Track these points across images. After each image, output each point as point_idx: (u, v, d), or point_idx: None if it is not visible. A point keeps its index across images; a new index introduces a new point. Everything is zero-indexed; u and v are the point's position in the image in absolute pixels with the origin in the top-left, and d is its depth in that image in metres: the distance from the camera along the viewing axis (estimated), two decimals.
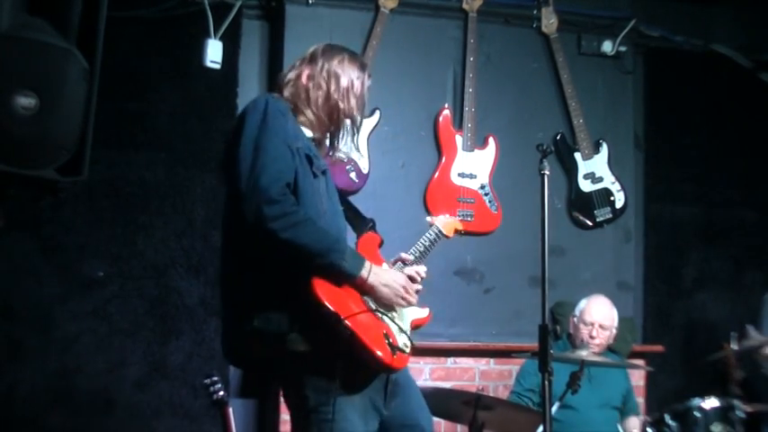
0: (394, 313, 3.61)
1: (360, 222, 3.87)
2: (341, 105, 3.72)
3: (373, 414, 3.57)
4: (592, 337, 5.61)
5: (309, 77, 3.73)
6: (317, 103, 3.70)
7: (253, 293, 3.46)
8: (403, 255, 3.88)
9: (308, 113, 3.70)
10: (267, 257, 3.42)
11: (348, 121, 3.77)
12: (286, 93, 3.71)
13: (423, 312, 3.84)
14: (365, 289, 3.53)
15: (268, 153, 3.41)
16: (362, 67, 3.82)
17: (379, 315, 3.53)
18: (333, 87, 3.72)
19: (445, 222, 4.20)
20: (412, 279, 3.75)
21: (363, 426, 3.51)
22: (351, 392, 3.46)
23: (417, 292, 3.74)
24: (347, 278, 3.46)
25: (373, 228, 3.87)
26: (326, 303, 3.36)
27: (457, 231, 4.32)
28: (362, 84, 3.79)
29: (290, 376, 3.53)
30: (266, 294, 3.43)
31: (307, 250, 3.38)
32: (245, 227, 3.37)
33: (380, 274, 3.56)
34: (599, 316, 5.68)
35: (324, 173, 3.64)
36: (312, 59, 3.78)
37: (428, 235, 4.05)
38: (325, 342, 3.38)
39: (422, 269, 3.83)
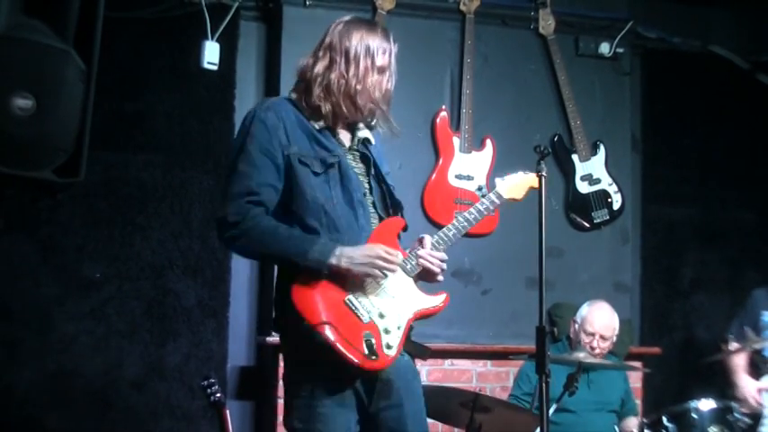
0: (382, 311, 3.58)
1: (387, 205, 3.80)
2: (359, 91, 3.68)
3: (353, 402, 3.58)
4: (592, 348, 5.63)
5: (327, 68, 3.69)
6: (339, 93, 3.66)
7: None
8: (425, 236, 3.77)
9: (334, 106, 3.67)
10: None
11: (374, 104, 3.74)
12: (315, 90, 3.68)
13: (434, 300, 3.72)
14: (342, 275, 3.55)
15: (236, 178, 3.59)
16: (384, 38, 3.75)
17: (362, 314, 3.54)
18: (351, 73, 3.68)
19: (513, 183, 4.00)
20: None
21: (343, 416, 3.55)
22: (331, 384, 3.53)
23: (431, 274, 3.72)
24: (317, 271, 3.51)
25: (397, 211, 3.80)
26: (300, 311, 3.49)
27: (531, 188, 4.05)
28: (385, 54, 3.74)
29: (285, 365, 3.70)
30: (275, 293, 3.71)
31: (270, 258, 3.70)
32: None
33: (352, 255, 3.53)
34: (600, 327, 5.68)
35: (331, 165, 3.65)
36: (330, 45, 3.73)
37: (477, 206, 3.91)
38: (305, 345, 3.50)
39: (440, 255, 3.73)
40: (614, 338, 5.77)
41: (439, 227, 6.27)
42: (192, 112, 6.24)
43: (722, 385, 6.10)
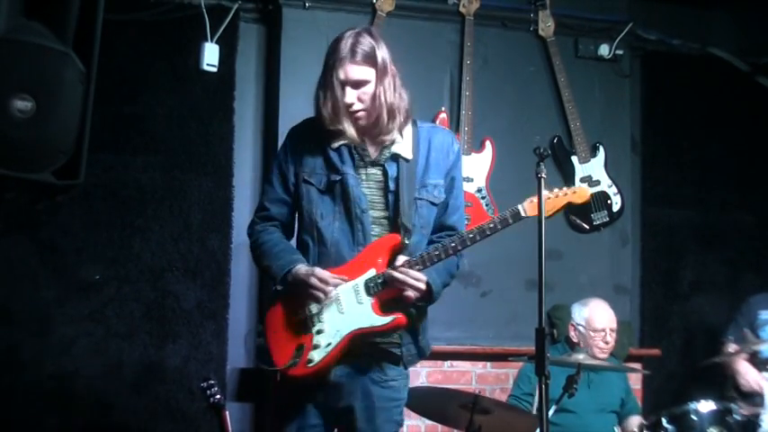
0: (324, 326, 3.82)
1: (389, 226, 3.88)
2: (327, 109, 3.82)
3: (311, 398, 3.88)
4: (606, 343, 5.67)
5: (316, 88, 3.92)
6: (321, 112, 3.86)
7: None
8: (400, 258, 3.82)
9: (327, 124, 3.85)
10: None
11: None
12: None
13: (379, 320, 3.82)
14: (294, 293, 3.86)
15: (262, 195, 4.11)
16: (343, 49, 3.81)
17: (302, 327, 3.85)
18: (328, 93, 3.82)
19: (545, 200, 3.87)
20: (398, 281, 3.77)
21: (296, 408, 3.90)
22: (289, 380, 3.88)
23: (393, 296, 3.81)
24: (280, 285, 3.89)
25: (394, 230, 3.85)
26: (263, 317, 3.99)
27: (573, 204, 4.01)
28: (337, 69, 3.79)
29: None
30: None
31: (262, 271, 4.20)
32: None
33: (297, 276, 3.81)
34: (607, 321, 5.74)
35: (335, 183, 3.86)
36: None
37: (486, 224, 3.87)
38: None
39: (413, 275, 3.79)
40: None
41: None
42: (191, 113, 6.24)
43: (722, 387, 6.10)
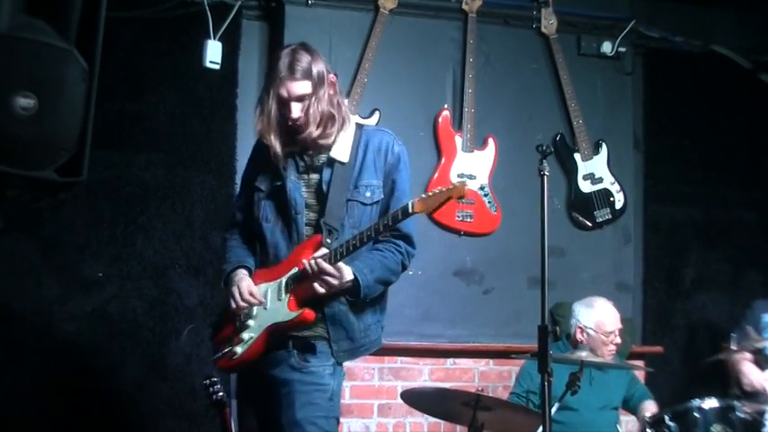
0: (251, 322, 4.08)
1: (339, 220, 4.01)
2: (265, 122, 4.05)
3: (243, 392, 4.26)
4: (616, 345, 5.69)
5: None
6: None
7: None
8: (317, 252, 3.96)
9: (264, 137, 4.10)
10: None
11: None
12: None
13: (288, 315, 3.97)
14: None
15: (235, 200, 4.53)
16: (281, 66, 3.97)
17: (239, 323, 4.11)
18: (264, 108, 4.05)
19: (428, 196, 3.78)
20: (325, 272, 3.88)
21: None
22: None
23: (306, 291, 3.93)
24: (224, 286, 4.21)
25: (317, 230, 4.00)
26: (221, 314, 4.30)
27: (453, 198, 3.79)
28: (278, 86, 3.97)
29: None
30: None
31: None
32: None
33: (230, 281, 4.13)
34: (617, 321, 5.73)
35: (276, 189, 4.10)
36: None
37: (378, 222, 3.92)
38: None
39: (326, 269, 3.89)
40: None
41: (440, 226, 6.35)
42: (194, 111, 6.24)
43: (724, 384, 6.10)
